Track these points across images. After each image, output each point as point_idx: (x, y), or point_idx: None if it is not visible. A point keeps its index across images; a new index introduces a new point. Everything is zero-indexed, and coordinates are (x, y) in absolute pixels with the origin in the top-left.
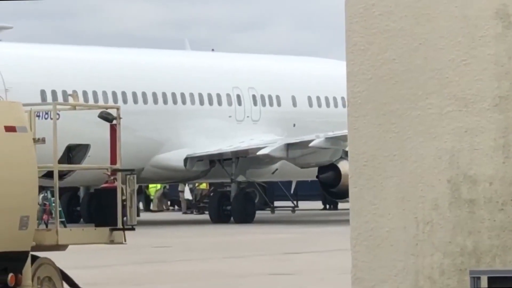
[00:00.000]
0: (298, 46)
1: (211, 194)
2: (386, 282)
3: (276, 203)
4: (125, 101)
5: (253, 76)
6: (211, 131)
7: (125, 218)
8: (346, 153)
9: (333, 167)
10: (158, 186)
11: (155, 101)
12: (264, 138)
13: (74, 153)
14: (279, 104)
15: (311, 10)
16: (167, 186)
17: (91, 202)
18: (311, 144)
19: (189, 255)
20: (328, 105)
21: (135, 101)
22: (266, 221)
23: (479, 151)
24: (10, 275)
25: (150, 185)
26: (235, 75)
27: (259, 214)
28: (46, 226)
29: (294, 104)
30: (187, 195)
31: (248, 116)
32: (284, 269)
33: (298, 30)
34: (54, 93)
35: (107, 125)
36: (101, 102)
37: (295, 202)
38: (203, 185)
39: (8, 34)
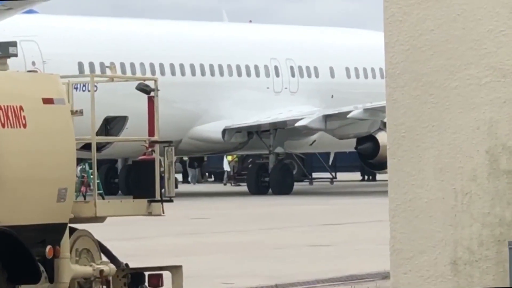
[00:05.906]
0: (336, 18)
1: (249, 165)
2: (424, 253)
3: (314, 175)
4: (162, 73)
5: (290, 47)
6: (249, 103)
7: (163, 190)
8: (384, 124)
9: (371, 138)
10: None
11: (193, 72)
12: (302, 110)
13: (112, 125)
14: (317, 75)
15: None
16: (205, 158)
17: (129, 174)
18: (349, 115)
19: (228, 227)
20: (366, 76)
21: (173, 72)
22: (304, 192)
23: None
24: (48, 247)
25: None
26: (273, 46)
27: (297, 185)
28: (84, 198)
29: (332, 75)
30: (226, 166)
31: (286, 88)
32: (322, 241)
33: (335, 1)
34: (91, 65)
35: (145, 97)
36: (138, 74)
37: (333, 173)
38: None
39: (46, 6)
